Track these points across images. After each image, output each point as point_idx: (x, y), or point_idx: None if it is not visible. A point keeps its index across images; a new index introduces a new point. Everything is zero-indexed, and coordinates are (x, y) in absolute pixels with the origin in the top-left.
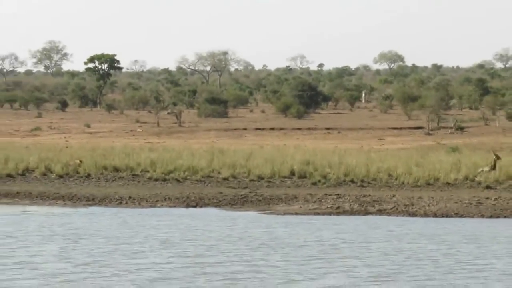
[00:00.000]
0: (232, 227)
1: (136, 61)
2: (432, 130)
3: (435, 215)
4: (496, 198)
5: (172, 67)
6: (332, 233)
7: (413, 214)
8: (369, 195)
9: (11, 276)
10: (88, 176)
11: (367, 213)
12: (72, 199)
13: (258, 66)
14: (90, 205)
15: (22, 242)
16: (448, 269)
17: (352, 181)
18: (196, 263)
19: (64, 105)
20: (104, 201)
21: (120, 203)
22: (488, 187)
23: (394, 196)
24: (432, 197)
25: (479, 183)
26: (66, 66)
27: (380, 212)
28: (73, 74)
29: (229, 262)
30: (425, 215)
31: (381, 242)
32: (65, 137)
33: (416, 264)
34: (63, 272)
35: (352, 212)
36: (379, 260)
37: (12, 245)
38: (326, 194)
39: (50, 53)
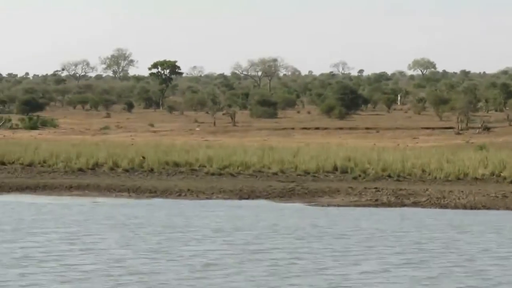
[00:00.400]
0: (279, 217)
1: (195, 67)
2: (461, 130)
3: (464, 207)
4: None
5: (227, 73)
6: (369, 223)
7: (445, 206)
8: (405, 189)
9: (77, 261)
10: (151, 170)
11: (403, 205)
12: (136, 191)
13: (304, 72)
14: (153, 196)
15: (89, 230)
16: (473, 256)
17: (389, 176)
18: (244, 250)
19: (130, 106)
20: (165, 193)
21: (180, 195)
22: None
23: (427, 189)
24: (462, 191)
25: (505, 178)
26: (132, 71)
27: (415, 204)
28: (138, 79)
29: (274, 250)
30: (456, 207)
31: (413, 231)
32: (131, 136)
33: (444, 252)
34: (124, 258)
35: (389, 204)
36: (410, 248)
37: (80, 232)
38: (365, 188)
39: (118, 59)
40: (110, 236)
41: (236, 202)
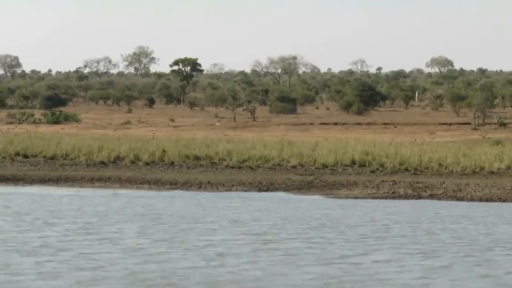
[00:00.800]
0: (296, 208)
1: (215, 64)
2: (478, 125)
3: (480, 200)
4: None
5: (247, 70)
6: (385, 214)
7: (461, 199)
8: (422, 182)
9: (96, 250)
10: (172, 163)
11: (419, 197)
12: (157, 184)
13: (323, 69)
14: (173, 189)
15: (108, 220)
16: (485, 247)
17: (406, 169)
18: (259, 240)
19: (151, 102)
20: (185, 185)
21: (200, 187)
22: None
23: (444, 182)
24: (478, 184)
25: None
26: (153, 68)
27: (431, 197)
28: (159, 75)
29: (289, 239)
30: (472, 199)
31: (428, 223)
32: (152, 130)
33: (457, 242)
34: (141, 247)
35: (406, 197)
36: (424, 239)
37: (100, 222)
38: (383, 181)
39: (140, 57)
40: (128, 226)
41: (255, 194)
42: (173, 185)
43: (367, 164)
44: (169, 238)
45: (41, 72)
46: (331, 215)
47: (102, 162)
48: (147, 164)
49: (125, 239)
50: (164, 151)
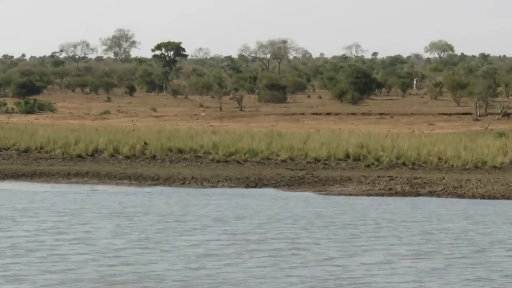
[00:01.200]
0: (284, 206)
1: (200, 48)
2: (480, 116)
3: (482, 197)
4: None
5: (234, 55)
6: (379, 212)
7: (462, 196)
8: (420, 177)
9: (67, 251)
10: (154, 157)
11: (418, 194)
12: (137, 179)
13: (315, 54)
14: (155, 184)
15: (83, 219)
16: (482, 247)
17: (403, 164)
18: (243, 240)
19: (132, 90)
20: (168, 181)
21: (183, 183)
22: None
23: (443, 178)
24: (480, 180)
25: None
26: (134, 53)
27: (430, 193)
28: (140, 61)
29: (274, 240)
30: (473, 196)
31: (424, 222)
32: (132, 120)
33: (452, 243)
34: (116, 248)
35: (403, 194)
36: (419, 239)
37: (73, 221)
38: (379, 176)
39: (120, 40)
40: (104, 225)
41: (243, 190)
42: (155, 180)
43: (362, 158)
44: (147, 238)
45: (14, 57)
46: (321, 214)
47: (79, 156)
48: (127, 157)
49: (99, 239)
50: (145, 143)
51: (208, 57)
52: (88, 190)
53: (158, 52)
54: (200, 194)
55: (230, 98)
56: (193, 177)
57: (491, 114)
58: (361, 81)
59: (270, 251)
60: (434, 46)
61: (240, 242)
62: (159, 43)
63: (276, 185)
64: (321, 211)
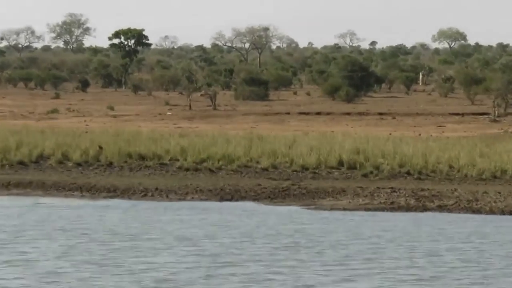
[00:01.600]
0: (263, 222)
1: (166, 37)
2: (498, 116)
3: (502, 212)
4: None
5: (207, 44)
6: (378, 230)
7: (477, 211)
8: (428, 189)
9: (3, 274)
10: (110, 164)
11: (425, 209)
12: (90, 190)
13: (303, 44)
14: (111, 197)
15: (23, 237)
16: (498, 272)
17: (408, 173)
18: (211, 263)
19: (85, 85)
20: (127, 192)
21: (145, 195)
22: None
23: (455, 190)
24: (499, 192)
25: None
26: (88, 42)
27: (440, 208)
28: (95, 51)
29: (249, 262)
30: (491, 212)
31: (431, 241)
32: (85, 121)
33: (463, 266)
34: (61, 272)
35: (407, 208)
36: (422, 261)
37: (12, 240)
38: (378, 188)
39: (71, 27)
40: (47, 244)
41: (216, 204)
42: (111, 192)
43: (358, 166)
44: (98, 261)
45: None
46: (307, 231)
47: (21, 163)
48: (79, 165)
49: (40, 261)
50: (100, 148)
51: (175, 47)
52: (31, 204)
53: (116, 41)
54: (164, 208)
55: (201, 95)
56: (157, 188)
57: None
58: (357, 75)
59: (244, 276)
60: (443, 34)
61: (208, 265)
62: (117, 30)
63: (256, 197)
64: (307, 229)
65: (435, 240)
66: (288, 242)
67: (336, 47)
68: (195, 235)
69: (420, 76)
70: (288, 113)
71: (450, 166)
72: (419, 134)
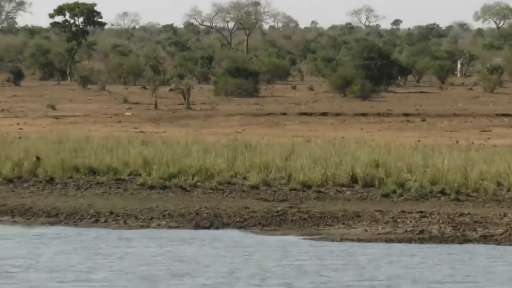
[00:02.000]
0: (249, 257)
1: (125, 13)
2: None
3: None
4: None
5: (178, 24)
6: (397, 268)
7: None
8: (469, 214)
9: None
10: (51, 180)
11: (465, 240)
12: (24, 215)
13: (304, 23)
14: (52, 223)
15: None
16: None
17: (442, 192)
18: None
19: (18, 76)
20: (72, 217)
21: (97, 221)
22: None
23: (505, 215)
24: None
25: None
26: (23, 21)
27: (485, 239)
28: (32, 32)
29: None
30: None
31: (468, 282)
32: (18, 124)
33: None
34: None
35: (442, 239)
36: None
37: None
38: (403, 212)
39: (1, 1)
40: None
41: (190, 233)
42: (52, 217)
43: (377, 183)
44: None
45: None
46: (306, 269)
47: None
48: (9, 181)
49: None
50: (38, 158)
51: (137, 27)
52: None
53: (59, 19)
54: (119, 238)
55: (170, 90)
56: (112, 212)
57: None
58: (376, 64)
59: None
60: (488, 11)
61: None
62: (61, 4)
63: (242, 224)
64: (306, 266)
65: (476, 282)
66: (280, 284)
67: (348, 28)
68: (157, 275)
69: (458, 66)
70: (285, 114)
71: (498, 184)
72: (457, 142)
